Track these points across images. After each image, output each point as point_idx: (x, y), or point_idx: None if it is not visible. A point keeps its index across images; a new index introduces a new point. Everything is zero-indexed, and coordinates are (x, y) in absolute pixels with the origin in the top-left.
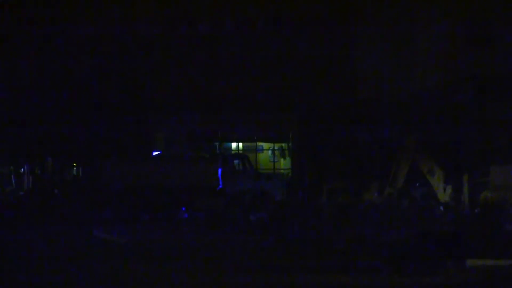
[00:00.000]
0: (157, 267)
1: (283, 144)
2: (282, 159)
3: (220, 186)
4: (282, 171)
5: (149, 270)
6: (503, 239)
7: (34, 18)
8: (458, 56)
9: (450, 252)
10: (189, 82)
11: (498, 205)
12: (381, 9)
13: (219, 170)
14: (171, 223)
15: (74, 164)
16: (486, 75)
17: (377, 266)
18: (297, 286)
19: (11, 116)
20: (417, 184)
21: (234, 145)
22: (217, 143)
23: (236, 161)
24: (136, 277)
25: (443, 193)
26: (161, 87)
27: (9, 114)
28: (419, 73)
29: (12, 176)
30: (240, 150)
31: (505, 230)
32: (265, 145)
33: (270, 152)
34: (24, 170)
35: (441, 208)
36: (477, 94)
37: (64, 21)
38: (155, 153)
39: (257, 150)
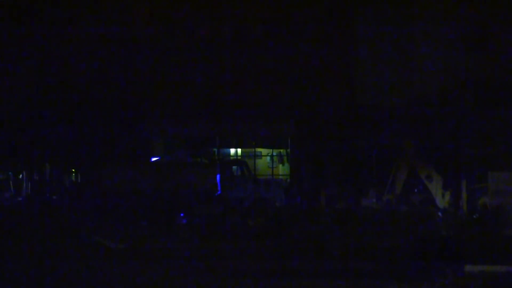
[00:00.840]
0: (155, 273)
1: (282, 150)
2: (280, 165)
3: (219, 192)
4: (280, 177)
5: (147, 275)
6: (501, 244)
7: (33, 20)
8: (457, 62)
9: (448, 257)
10: (188, 88)
11: (497, 211)
12: (380, 15)
13: (218, 176)
14: (170, 228)
15: (73, 170)
16: (485, 81)
17: (375, 271)
18: None
19: (10, 121)
20: (416, 190)
21: (232, 151)
22: (215, 149)
23: (234, 167)
24: (134, 283)
25: (442, 199)
26: (160, 93)
27: (7, 119)
28: (417, 79)
29: (11, 182)
30: (239, 156)
31: (503, 236)
32: (263, 151)
33: (268, 158)
34: (22, 176)
35: (440, 213)
36: (475, 100)
37: (64, 25)
38: (153, 159)
39: (256, 156)
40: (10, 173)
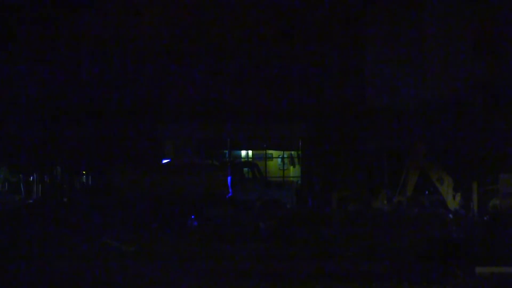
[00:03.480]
0: (166, 275)
1: (293, 152)
2: (291, 167)
3: (230, 194)
4: (291, 179)
5: (158, 277)
6: None
7: (48, 22)
8: (468, 63)
9: (459, 259)
10: (198, 90)
11: (507, 213)
12: (390, 18)
13: (229, 178)
14: (180, 231)
15: (84, 172)
16: (496, 83)
17: (386, 273)
18: None
19: (20, 124)
20: (427, 192)
21: (243, 153)
22: (226, 151)
23: (245, 169)
24: (144, 285)
25: (453, 201)
26: (170, 95)
27: (17, 122)
28: (428, 81)
29: (22, 185)
30: (250, 158)
31: None
32: (274, 153)
33: (279, 160)
34: (33, 178)
35: (450, 215)
36: (486, 101)
37: (79, 27)
38: (164, 161)
39: (267, 158)
40: (20, 175)
